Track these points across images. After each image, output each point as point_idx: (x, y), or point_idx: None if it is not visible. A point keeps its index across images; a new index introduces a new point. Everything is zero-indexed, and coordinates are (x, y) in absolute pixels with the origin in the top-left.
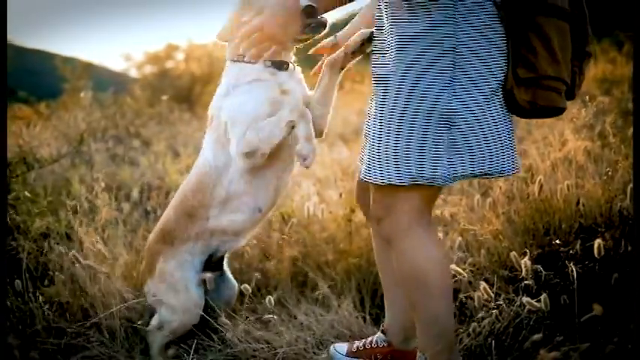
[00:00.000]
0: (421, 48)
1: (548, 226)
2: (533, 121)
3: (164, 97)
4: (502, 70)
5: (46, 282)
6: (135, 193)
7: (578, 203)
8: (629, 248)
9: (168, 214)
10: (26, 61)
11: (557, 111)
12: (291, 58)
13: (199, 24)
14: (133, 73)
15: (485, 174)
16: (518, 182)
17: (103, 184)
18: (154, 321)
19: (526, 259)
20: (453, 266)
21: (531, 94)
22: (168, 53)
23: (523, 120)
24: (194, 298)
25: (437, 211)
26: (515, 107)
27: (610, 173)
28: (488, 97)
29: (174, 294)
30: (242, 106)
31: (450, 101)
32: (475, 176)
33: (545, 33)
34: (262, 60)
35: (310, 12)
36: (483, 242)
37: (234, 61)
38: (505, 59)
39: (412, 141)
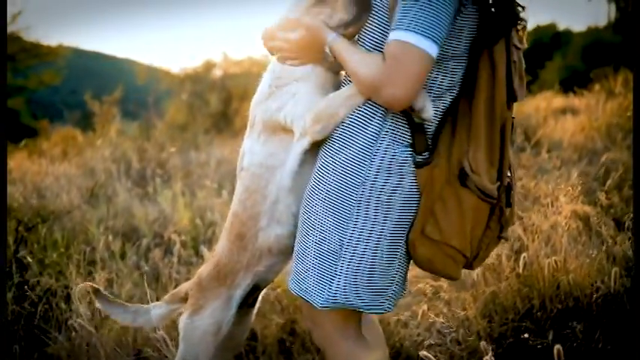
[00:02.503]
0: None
1: (529, 306)
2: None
3: (172, 150)
4: (405, 219)
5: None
6: (143, 244)
7: (558, 287)
8: (600, 345)
9: (222, 244)
10: (85, 62)
11: (449, 277)
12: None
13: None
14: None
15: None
16: (506, 256)
17: (111, 237)
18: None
19: (489, 356)
20: (424, 352)
21: (431, 253)
22: (207, 69)
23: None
24: (220, 339)
25: (420, 285)
26: (414, 259)
27: (594, 255)
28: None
29: (205, 335)
30: (300, 97)
31: (344, 234)
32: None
33: (463, 207)
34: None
35: None
36: (458, 326)
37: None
38: (414, 211)
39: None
